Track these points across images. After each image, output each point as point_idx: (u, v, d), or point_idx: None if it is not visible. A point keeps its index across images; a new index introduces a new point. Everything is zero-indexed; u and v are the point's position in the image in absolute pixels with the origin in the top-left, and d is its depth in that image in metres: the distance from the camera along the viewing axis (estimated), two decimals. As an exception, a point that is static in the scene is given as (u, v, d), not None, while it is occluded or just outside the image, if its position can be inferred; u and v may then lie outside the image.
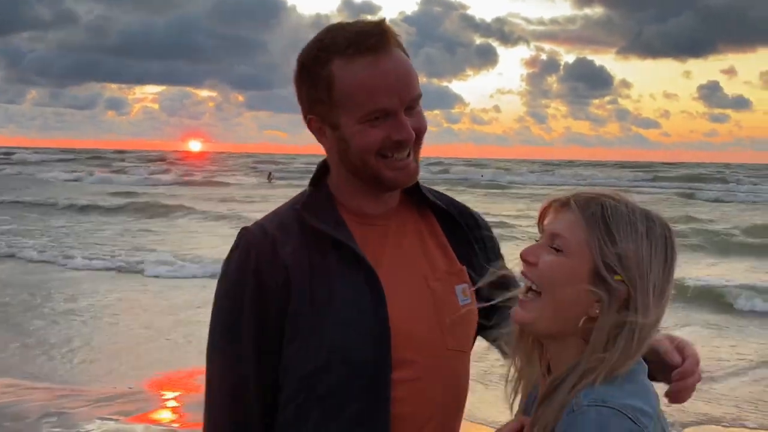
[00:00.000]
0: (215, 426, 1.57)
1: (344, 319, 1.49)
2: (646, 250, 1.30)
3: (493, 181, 48.57)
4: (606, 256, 1.29)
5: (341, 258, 1.53)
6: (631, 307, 1.28)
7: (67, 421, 5.82)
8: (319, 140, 1.59)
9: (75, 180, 44.31)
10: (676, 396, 1.39)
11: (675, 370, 1.38)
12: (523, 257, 1.36)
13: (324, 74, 1.50)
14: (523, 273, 1.36)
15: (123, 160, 79.44)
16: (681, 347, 1.41)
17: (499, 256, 1.70)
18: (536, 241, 1.38)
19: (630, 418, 1.20)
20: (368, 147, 1.50)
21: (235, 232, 1.60)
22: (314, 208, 1.57)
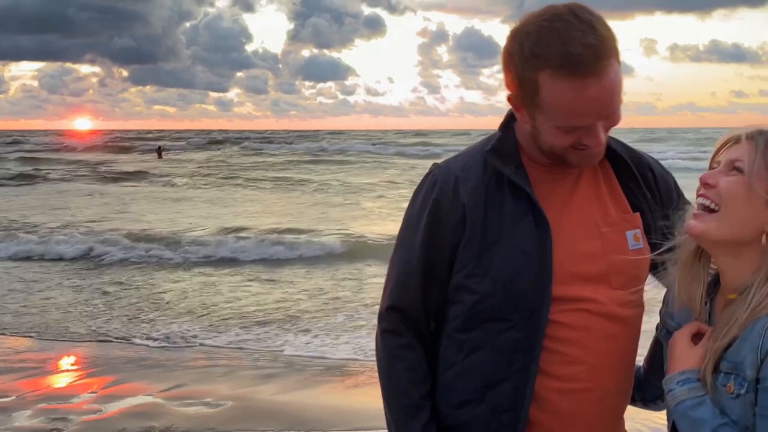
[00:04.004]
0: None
1: (511, 258, 1.62)
2: None
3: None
4: None
5: (515, 199, 1.65)
6: None
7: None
8: (513, 108, 1.66)
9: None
10: None
11: None
12: (704, 180, 1.49)
13: (531, 78, 1.53)
14: (700, 195, 1.50)
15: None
16: None
17: (676, 200, 1.76)
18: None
19: None
20: (558, 145, 1.60)
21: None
22: (500, 152, 1.69)
